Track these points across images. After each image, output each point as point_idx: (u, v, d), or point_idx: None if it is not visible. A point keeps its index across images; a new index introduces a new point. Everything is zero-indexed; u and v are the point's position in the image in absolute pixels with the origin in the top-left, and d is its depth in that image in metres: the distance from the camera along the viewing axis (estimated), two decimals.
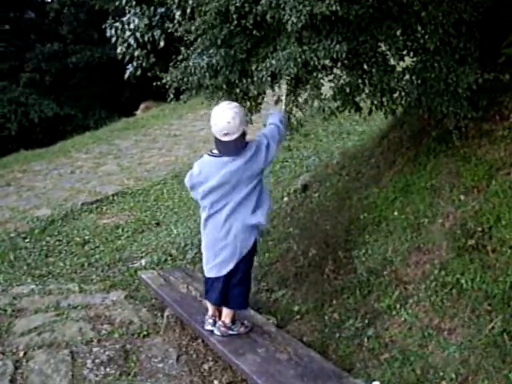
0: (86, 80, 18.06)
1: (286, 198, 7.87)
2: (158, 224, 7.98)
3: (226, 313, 4.46)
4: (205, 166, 4.30)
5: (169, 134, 12.71)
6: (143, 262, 6.82)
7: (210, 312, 4.55)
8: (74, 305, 5.53)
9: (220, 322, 4.45)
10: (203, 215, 4.34)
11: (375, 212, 5.87)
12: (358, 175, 7.68)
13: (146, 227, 7.89)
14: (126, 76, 6.76)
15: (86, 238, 7.67)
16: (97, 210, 8.61)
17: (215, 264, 4.34)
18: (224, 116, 4.15)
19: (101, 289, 5.90)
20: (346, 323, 4.85)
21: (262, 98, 6.41)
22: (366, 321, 4.78)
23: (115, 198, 9.02)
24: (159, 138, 12.49)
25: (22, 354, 4.76)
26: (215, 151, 4.25)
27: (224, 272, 4.33)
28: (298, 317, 5.17)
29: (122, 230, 7.82)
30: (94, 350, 4.75)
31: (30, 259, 7.17)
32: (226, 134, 4.12)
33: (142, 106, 17.41)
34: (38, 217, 8.42)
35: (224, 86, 5.46)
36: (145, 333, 5.01)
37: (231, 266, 4.33)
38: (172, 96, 6.13)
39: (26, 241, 7.74)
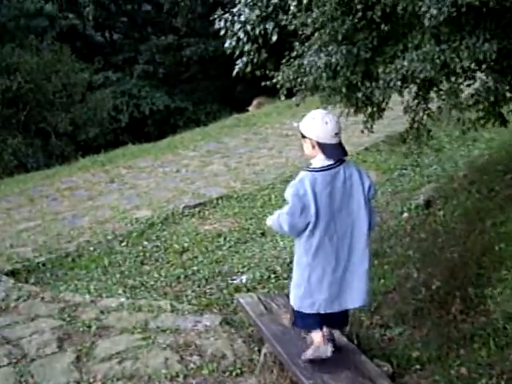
0: (199, 73, 17.67)
1: (405, 214, 7.01)
2: (263, 234, 7.30)
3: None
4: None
5: (280, 133, 12.03)
6: (244, 278, 6.17)
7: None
8: (163, 327, 4.97)
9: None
10: None
11: None
12: (491, 193, 6.68)
13: (249, 237, 7.23)
14: (235, 72, 6.07)
15: (185, 245, 7.10)
16: (199, 215, 8.03)
17: None
18: (329, 115, 3.61)
19: (194, 310, 5.27)
20: (478, 383, 3.98)
21: (387, 104, 5.59)
22: (503, 382, 3.90)
23: (219, 201, 8.41)
24: (270, 137, 11.84)
25: None
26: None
27: None
28: (417, 366, 4.34)
29: (224, 239, 7.20)
30: None
31: (125, 266, 6.68)
32: (336, 134, 3.58)
33: (254, 102, 16.86)
34: (138, 218, 7.94)
35: (343, 89, 4.71)
36: (238, 371, 4.36)
37: None
38: (284, 96, 5.43)
39: (123, 244, 7.27)
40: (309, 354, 3.89)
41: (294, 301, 3.87)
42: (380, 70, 4.05)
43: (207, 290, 5.96)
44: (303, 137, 3.66)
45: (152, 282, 6.22)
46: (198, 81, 17.53)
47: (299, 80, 4.76)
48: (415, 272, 5.62)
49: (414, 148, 5.82)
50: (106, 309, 5.45)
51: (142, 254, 6.99)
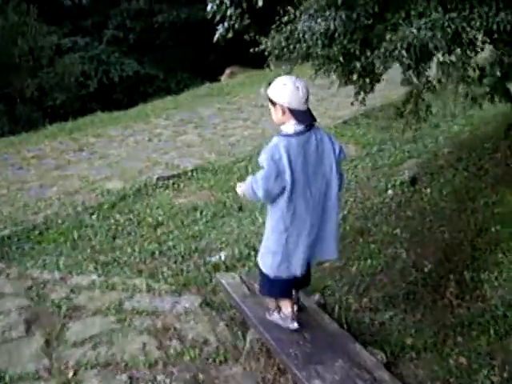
0: (170, 40, 17.07)
1: (390, 191, 6.75)
2: (240, 209, 6.98)
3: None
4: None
5: (255, 104, 11.66)
6: (222, 255, 5.85)
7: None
8: (139, 309, 4.63)
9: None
10: None
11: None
12: (480, 172, 6.44)
13: (226, 211, 6.91)
14: (216, 38, 5.67)
15: (160, 219, 6.76)
16: (173, 187, 7.68)
17: None
18: (299, 81, 3.52)
19: (172, 289, 4.94)
20: (479, 373, 3.75)
21: (381, 75, 5.28)
22: (506, 374, 3.68)
23: (194, 173, 8.07)
24: (244, 107, 11.48)
25: (71, 374, 3.88)
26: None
27: None
28: (412, 354, 4.09)
29: (201, 214, 6.87)
30: (159, 378, 3.81)
31: (96, 241, 6.32)
32: (306, 101, 3.52)
33: (227, 72, 16.42)
34: (109, 190, 7.57)
35: (340, 58, 4.37)
36: (222, 358, 4.06)
37: None
38: (272, 65, 5.08)
39: (93, 217, 6.90)
40: (275, 318, 3.96)
41: (270, 268, 3.78)
42: (387, 37, 3.69)
43: (184, 268, 5.64)
44: (272, 103, 3.56)
45: (125, 258, 5.89)
46: (169, 48, 16.92)
47: (291, 47, 4.40)
48: (404, 252, 5.38)
49: (412, 123, 5.50)
50: (76, 287, 5.11)
51: (113, 227, 6.64)
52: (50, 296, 4.94)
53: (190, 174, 8.02)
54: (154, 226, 6.63)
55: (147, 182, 7.72)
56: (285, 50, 4.50)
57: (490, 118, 9.48)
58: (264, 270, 3.84)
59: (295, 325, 3.90)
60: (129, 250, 6.05)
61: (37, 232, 6.51)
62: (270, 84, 3.63)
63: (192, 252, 5.98)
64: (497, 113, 8.06)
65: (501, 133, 7.03)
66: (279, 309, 3.97)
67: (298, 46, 4.34)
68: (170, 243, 6.19)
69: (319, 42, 4.13)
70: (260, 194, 3.59)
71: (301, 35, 4.23)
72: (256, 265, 4.18)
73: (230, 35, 5.74)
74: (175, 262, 5.76)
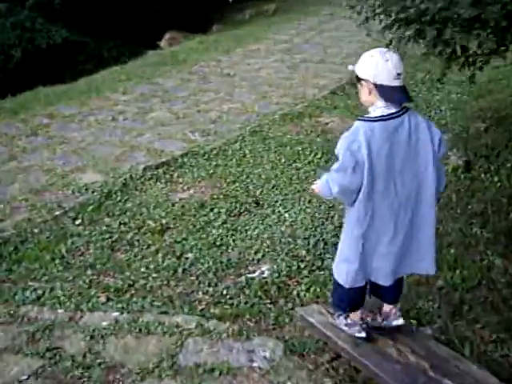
0: (99, 5, 15.29)
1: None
2: (257, 203, 5.72)
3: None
4: None
5: (221, 72, 10.31)
6: (265, 270, 4.65)
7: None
8: (206, 365, 3.32)
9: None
10: None
11: None
12: None
13: (241, 207, 5.66)
14: None
15: (163, 221, 5.45)
16: (165, 178, 6.33)
17: None
18: (390, 53, 3.04)
19: (232, 330, 3.69)
20: None
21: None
22: None
23: (185, 159, 6.70)
24: (210, 77, 10.09)
25: None
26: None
27: None
28: None
29: (211, 211, 5.59)
30: None
31: (91, 255, 4.95)
32: (399, 75, 2.97)
33: (166, 37, 14.84)
34: (86, 185, 6.12)
35: None
36: None
37: None
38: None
39: (77, 222, 5.48)
40: (340, 323, 3.52)
41: (346, 279, 3.27)
42: None
43: (225, 292, 4.37)
44: (358, 80, 3.06)
45: (142, 281, 4.57)
46: (99, 14, 15.15)
47: None
48: (498, 259, 4.33)
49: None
50: (96, 332, 3.78)
51: (108, 235, 5.26)
52: (66, 349, 3.60)
53: (180, 160, 6.67)
54: (159, 231, 5.31)
55: (132, 173, 6.30)
56: None
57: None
58: (339, 280, 3.32)
59: (363, 334, 3.40)
60: (142, 269, 4.72)
61: (10, 248, 5.02)
62: None
63: (224, 267, 4.74)
64: None
65: None
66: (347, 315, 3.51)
67: None
68: (190, 255, 4.91)
69: None
70: (335, 190, 3.07)
71: None
72: (331, 273, 3.56)
73: None
74: (209, 285, 4.47)
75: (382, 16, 4.56)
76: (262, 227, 5.33)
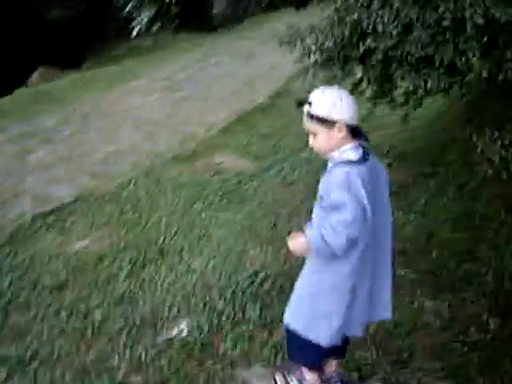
0: None
1: None
2: (161, 252, 5.34)
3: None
4: None
5: (102, 111, 9.84)
6: (183, 327, 4.30)
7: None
8: None
9: None
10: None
11: None
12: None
13: (145, 257, 5.29)
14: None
15: (61, 277, 4.95)
16: (57, 227, 5.83)
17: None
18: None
19: None
20: None
21: None
22: None
23: (76, 206, 6.21)
24: (91, 115, 9.61)
25: None
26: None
27: None
28: None
29: (113, 263, 5.16)
30: None
31: None
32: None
33: (37, 72, 14.08)
34: None
35: None
36: None
37: None
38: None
39: None
40: None
41: (326, 337, 2.93)
42: None
43: (143, 355, 3.99)
44: (324, 123, 2.72)
45: (47, 348, 4.08)
46: None
47: None
48: (430, 303, 4.25)
49: None
50: None
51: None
52: None
53: (71, 206, 6.17)
54: (57, 288, 4.80)
55: (21, 221, 5.72)
56: None
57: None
58: (312, 338, 2.96)
59: None
60: (45, 334, 4.21)
61: None
62: (300, 103, 3.03)
63: (138, 326, 4.31)
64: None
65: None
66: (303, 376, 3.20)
67: None
68: (98, 314, 4.46)
69: None
70: (341, 245, 2.67)
71: None
72: (289, 333, 3.12)
73: None
74: (125, 347, 4.05)
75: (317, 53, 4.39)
76: (170, 278, 4.97)
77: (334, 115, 2.70)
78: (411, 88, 3.21)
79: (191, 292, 4.74)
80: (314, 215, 2.91)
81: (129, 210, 6.21)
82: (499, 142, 3.34)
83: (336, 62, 4.00)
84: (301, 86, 10.89)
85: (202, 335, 4.16)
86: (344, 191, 2.64)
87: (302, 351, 3.08)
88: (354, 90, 4.65)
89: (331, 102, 2.71)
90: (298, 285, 3.08)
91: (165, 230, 5.78)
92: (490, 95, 3.82)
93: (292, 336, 3.06)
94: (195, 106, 9.96)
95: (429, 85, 3.10)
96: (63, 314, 4.46)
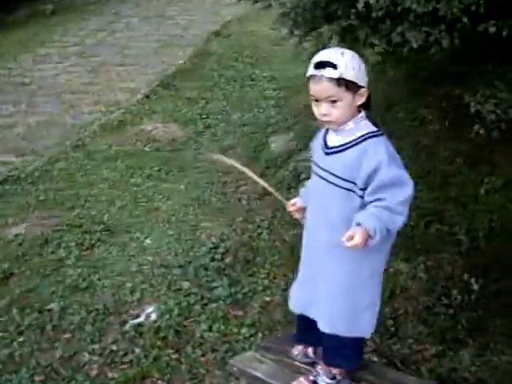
0: None
1: None
2: (109, 231, 5.02)
3: None
4: None
5: (14, 81, 9.19)
6: (151, 312, 4.05)
7: None
8: None
9: None
10: None
11: None
12: None
13: (92, 237, 4.94)
14: None
15: (4, 266, 4.57)
16: None
17: None
18: None
19: None
20: None
21: None
22: None
23: (6, 187, 5.77)
24: (4, 87, 8.95)
25: None
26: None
27: None
28: None
29: (59, 247, 4.78)
30: None
31: None
32: None
33: None
34: None
35: None
36: None
37: None
38: None
39: None
40: None
41: (369, 327, 2.64)
42: None
43: (114, 347, 3.72)
44: (350, 87, 2.37)
45: (5, 350, 3.74)
46: None
47: None
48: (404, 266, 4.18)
49: None
50: None
51: None
52: None
53: (0, 189, 5.68)
54: (1, 279, 4.41)
55: None
56: None
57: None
58: (360, 334, 2.64)
59: None
60: None
61: None
62: (319, 64, 2.35)
63: (101, 315, 4.01)
64: None
65: None
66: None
67: None
68: (54, 306, 4.11)
69: None
70: (403, 223, 2.39)
71: None
72: (329, 337, 2.60)
73: None
74: (93, 341, 3.76)
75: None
76: (125, 259, 4.68)
77: (361, 79, 2.40)
78: (415, 45, 2.99)
79: (150, 273, 4.46)
80: (344, 202, 2.45)
81: (64, 187, 5.82)
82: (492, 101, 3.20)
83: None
84: (217, 47, 10.69)
85: (172, 319, 3.90)
86: (396, 166, 2.37)
87: (342, 352, 2.64)
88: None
89: (357, 64, 2.39)
90: (323, 282, 2.59)
91: (107, 207, 5.45)
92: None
93: (330, 339, 2.61)
94: (113, 72, 9.47)
95: (431, 39, 2.90)
96: (14, 308, 4.07)
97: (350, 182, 2.40)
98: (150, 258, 4.64)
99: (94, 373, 3.47)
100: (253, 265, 4.50)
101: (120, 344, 3.70)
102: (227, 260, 4.54)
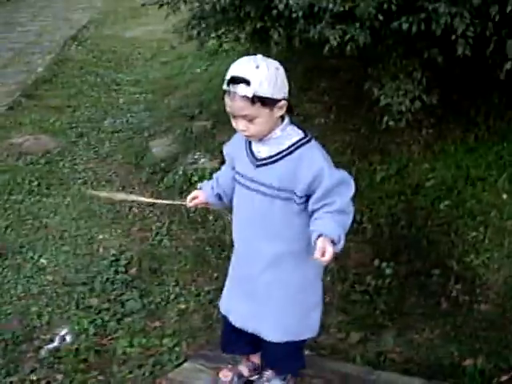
0: None
1: None
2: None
3: None
4: None
5: None
6: (64, 334, 3.90)
7: None
8: None
9: None
10: None
11: None
12: None
13: None
14: None
15: None
16: None
17: None
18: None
19: None
20: None
21: None
22: None
23: None
24: None
25: None
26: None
27: None
28: None
29: None
30: None
31: None
32: None
33: None
34: None
35: None
36: None
37: None
38: None
39: None
40: None
41: (317, 327, 2.65)
42: None
43: (33, 377, 3.56)
44: (267, 103, 2.26)
45: None
46: None
47: None
48: None
49: None
50: None
51: None
52: None
53: None
54: None
55: None
56: None
57: None
58: (309, 334, 2.64)
59: None
60: None
61: None
62: (232, 81, 2.23)
63: (11, 344, 3.82)
64: None
65: None
66: None
67: None
68: None
69: None
70: (349, 224, 2.37)
71: None
72: (279, 345, 2.57)
73: None
74: (9, 373, 3.60)
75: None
76: (23, 282, 4.46)
77: (279, 92, 2.28)
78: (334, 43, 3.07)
79: (54, 293, 4.29)
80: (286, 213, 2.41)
81: None
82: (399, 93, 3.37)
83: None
84: (76, 53, 10.37)
85: (89, 339, 3.78)
86: (335, 168, 2.35)
87: (293, 356, 2.67)
88: None
89: (273, 77, 2.25)
90: (267, 295, 2.52)
91: None
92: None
93: (280, 347, 2.56)
94: None
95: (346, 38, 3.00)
96: None
97: (288, 191, 2.35)
98: (50, 278, 4.46)
99: None
100: (160, 273, 4.45)
101: (39, 373, 3.53)
102: (132, 271, 4.47)
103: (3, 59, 9.95)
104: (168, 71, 9.09)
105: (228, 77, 2.24)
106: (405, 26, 2.97)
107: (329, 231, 2.21)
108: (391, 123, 3.58)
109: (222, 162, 2.74)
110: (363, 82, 4.01)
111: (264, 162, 2.39)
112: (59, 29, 11.48)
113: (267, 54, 2.37)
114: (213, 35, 4.55)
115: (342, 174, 2.36)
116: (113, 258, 4.59)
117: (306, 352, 3.26)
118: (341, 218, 2.28)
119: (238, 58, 2.31)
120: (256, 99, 2.20)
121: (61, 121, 7.51)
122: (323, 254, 2.16)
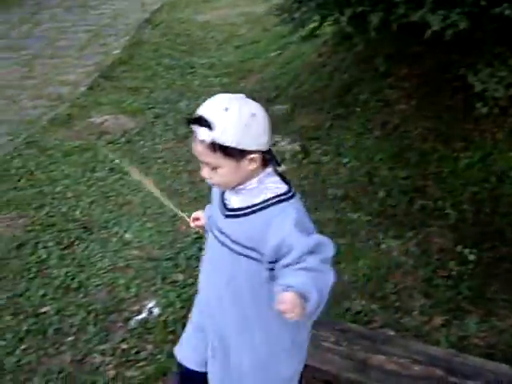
0: None
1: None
2: (85, 227, 4.90)
3: None
4: None
5: None
6: (152, 307, 3.99)
7: None
8: None
9: None
10: None
11: None
12: None
13: (70, 236, 4.82)
14: None
15: None
16: None
17: None
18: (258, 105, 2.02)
19: None
20: None
21: None
22: None
23: None
24: None
25: None
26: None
27: None
28: None
29: (37, 247, 4.68)
30: None
31: None
32: None
33: None
34: None
35: None
36: None
37: None
38: None
39: None
40: None
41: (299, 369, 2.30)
42: None
43: (124, 346, 3.66)
44: (231, 154, 1.92)
45: (12, 358, 3.57)
46: None
47: None
48: (396, 243, 4.25)
49: None
50: None
51: None
52: None
53: None
54: None
55: None
56: None
57: None
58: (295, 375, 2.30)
59: None
60: None
61: None
62: (192, 120, 1.92)
63: (101, 314, 3.92)
64: None
65: None
66: None
67: None
68: (49, 309, 4.00)
69: None
70: (329, 286, 1.90)
71: None
72: None
73: None
74: (100, 342, 3.68)
75: None
76: (109, 255, 4.57)
77: (250, 143, 1.92)
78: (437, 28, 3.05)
79: (139, 268, 4.38)
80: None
81: (25, 186, 5.61)
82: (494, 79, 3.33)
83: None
84: (150, 36, 10.52)
85: (176, 313, 3.86)
86: (308, 234, 1.92)
87: None
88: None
89: (242, 125, 1.88)
90: (222, 364, 2.25)
91: (76, 203, 5.29)
92: None
93: None
94: (48, 65, 9.14)
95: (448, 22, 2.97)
96: (7, 316, 3.92)
97: (256, 251, 2.00)
98: (136, 252, 4.56)
99: (111, 373, 3.39)
100: None
101: (130, 342, 3.63)
102: None
103: (81, 41, 10.17)
104: (242, 55, 9.12)
105: (195, 115, 1.91)
106: (507, 12, 2.92)
107: (297, 282, 1.80)
108: (484, 110, 3.53)
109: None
110: (446, 68, 3.97)
111: (233, 213, 2.06)
112: (132, 12, 11.63)
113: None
114: (315, 18, 4.56)
115: (316, 239, 1.92)
116: (196, 236, 4.64)
117: (391, 332, 3.28)
118: (313, 276, 1.84)
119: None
120: (217, 147, 1.89)
121: (138, 102, 7.62)
122: (288, 307, 1.75)
